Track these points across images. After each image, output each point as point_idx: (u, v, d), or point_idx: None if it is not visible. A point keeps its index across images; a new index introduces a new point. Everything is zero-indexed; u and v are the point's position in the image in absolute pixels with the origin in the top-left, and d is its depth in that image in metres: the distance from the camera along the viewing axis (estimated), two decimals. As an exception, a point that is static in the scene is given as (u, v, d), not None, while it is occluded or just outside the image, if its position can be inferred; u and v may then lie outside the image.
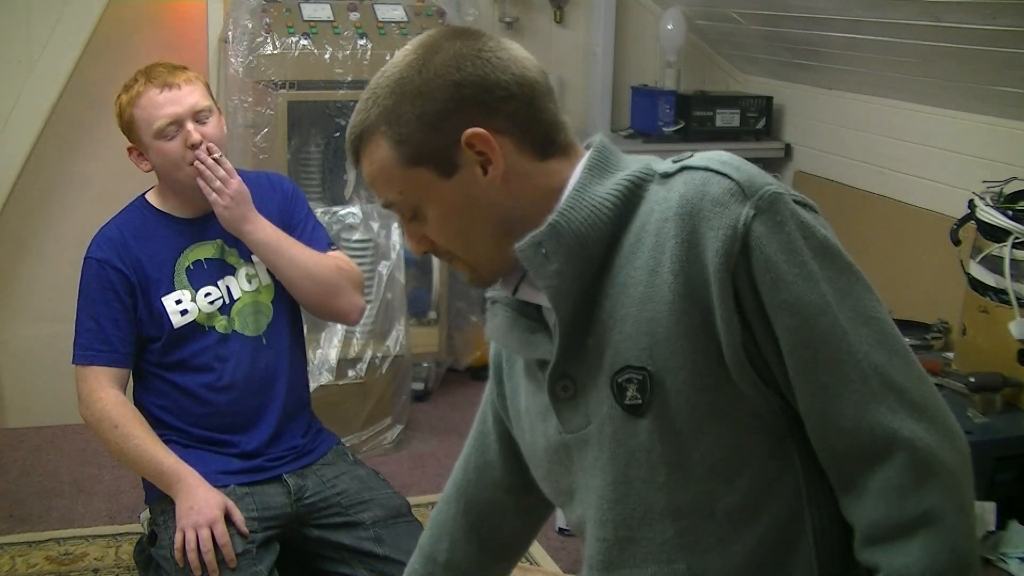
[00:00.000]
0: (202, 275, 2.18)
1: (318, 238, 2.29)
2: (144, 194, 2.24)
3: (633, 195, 1.12)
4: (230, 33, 3.17)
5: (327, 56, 3.17)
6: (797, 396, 1.07)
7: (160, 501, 2.12)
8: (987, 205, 2.73)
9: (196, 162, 2.08)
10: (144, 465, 2.08)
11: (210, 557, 1.98)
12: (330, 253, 2.28)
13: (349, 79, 3.19)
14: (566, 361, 1.16)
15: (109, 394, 2.09)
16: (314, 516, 2.18)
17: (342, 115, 3.30)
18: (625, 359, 1.10)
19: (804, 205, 1.09)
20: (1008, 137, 3.01)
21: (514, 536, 1.47)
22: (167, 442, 2.11)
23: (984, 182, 2.86)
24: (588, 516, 1.21)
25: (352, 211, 3.35)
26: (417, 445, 3.36)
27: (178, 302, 2.14)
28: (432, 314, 3.69)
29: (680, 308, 1.06)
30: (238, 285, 2.21)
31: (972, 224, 2.79)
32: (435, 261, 3.63)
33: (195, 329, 2.16)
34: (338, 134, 3.33)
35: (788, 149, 4.02)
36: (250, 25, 3.15)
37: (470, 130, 1.10)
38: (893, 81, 3.36)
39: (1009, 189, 2.79)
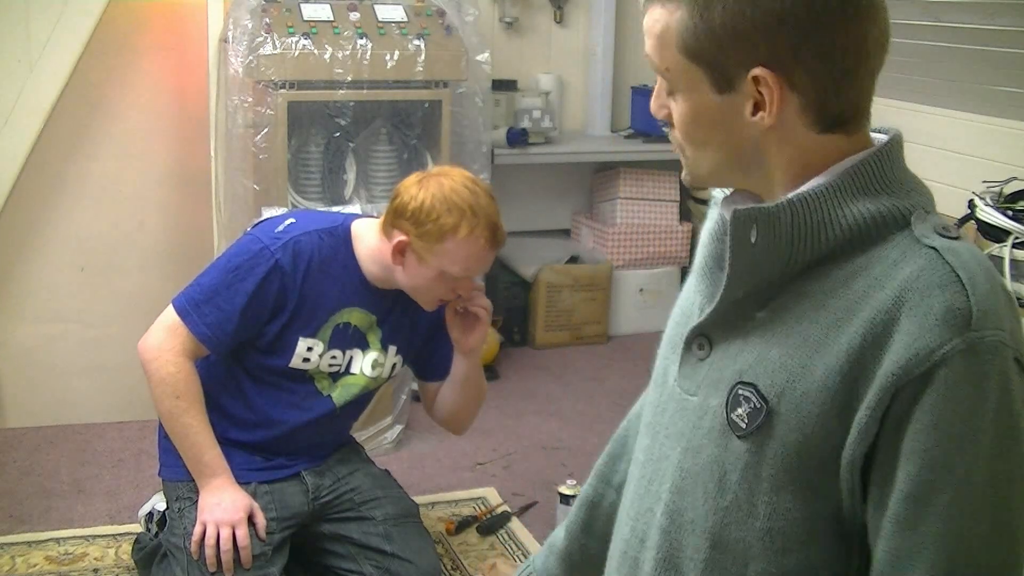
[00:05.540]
0: (341, 338, 2.16)
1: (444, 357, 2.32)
2: (354, 222, 2.17)
3: (872, 232, 0.98)
4: (230, 33, 3.17)
5: (327, 56, 3.16)
6: (872, 534, 0.98)
7: (177, 485, 2.12)
8: (987, 205, 2.73)
9: (473, 302, 2.17)
10: (187, 446, 2.07)
11: (228, 557, 1.99)
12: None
13: (349, 79, 3.19)
14: (716, 323, 1.05)
15: (185, 363, 2.05)
16: (327, 511, 2.20)
17: (342, 115, 3.30)
18: (756, 377, 1.00)
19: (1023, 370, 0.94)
20: (1008, 137, 3.01)
21: None
22: None
23: (984, 182, 2.86)
24: (638, 474, 1.15)
25: (352, 211, 3.35)
26: (417, 445, 3.36)
27: (309, 349, 2.13)
28: (432, 314, 3.68)
29: (834, 383, 0.96)
30: (360, 365, 2.20)
31: (972, 224, 2.79)
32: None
33: (302, 375, 2.16)
34: (338, 134, 3.33)
35: (788, 149, 4.02)
36: (250, 25, 3.15)
37: (763, 70, 0.96)
38: (893, 81, 3.36)
39: (1009, 189, 2.79)
